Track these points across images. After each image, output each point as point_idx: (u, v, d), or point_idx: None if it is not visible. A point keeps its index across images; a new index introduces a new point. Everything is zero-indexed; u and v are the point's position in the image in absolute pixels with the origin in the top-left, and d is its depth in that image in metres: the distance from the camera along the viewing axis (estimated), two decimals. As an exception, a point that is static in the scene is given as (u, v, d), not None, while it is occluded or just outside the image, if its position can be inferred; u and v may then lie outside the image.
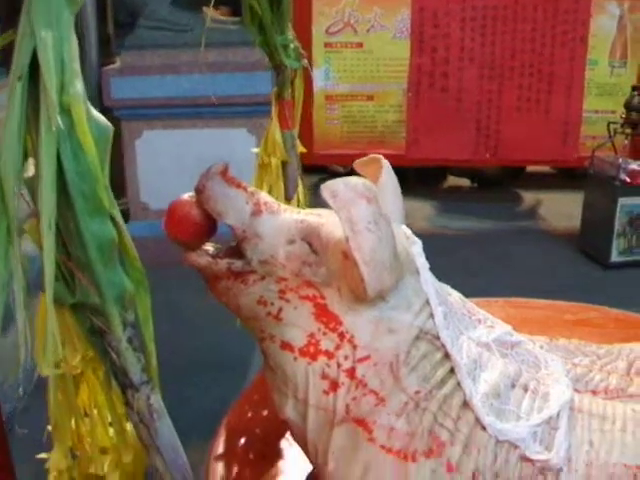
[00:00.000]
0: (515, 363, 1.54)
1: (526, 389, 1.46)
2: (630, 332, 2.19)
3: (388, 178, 1.56)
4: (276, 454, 1.80)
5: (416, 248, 1.47)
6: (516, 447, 1.36)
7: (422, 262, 1.46)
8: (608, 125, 5.87)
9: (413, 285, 1.41)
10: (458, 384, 1.37)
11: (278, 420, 1.52)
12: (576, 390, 1.60)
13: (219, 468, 1.75)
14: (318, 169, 6.78)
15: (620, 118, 5.88)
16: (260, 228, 1.39)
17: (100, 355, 1.17)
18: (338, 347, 1.35)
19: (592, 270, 5.59)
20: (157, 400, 1.16)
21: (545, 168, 8.14)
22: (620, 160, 5.61)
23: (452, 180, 7.90)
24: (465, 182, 7.85)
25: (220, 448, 1.82)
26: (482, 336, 1.56)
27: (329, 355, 1.35)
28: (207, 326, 4.05)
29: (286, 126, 2.50)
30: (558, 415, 1.43)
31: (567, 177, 7.66)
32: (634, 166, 5.67)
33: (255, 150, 2.61)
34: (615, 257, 5.67)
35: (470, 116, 6.62)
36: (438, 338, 1.39)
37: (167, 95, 5.36)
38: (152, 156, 5.47)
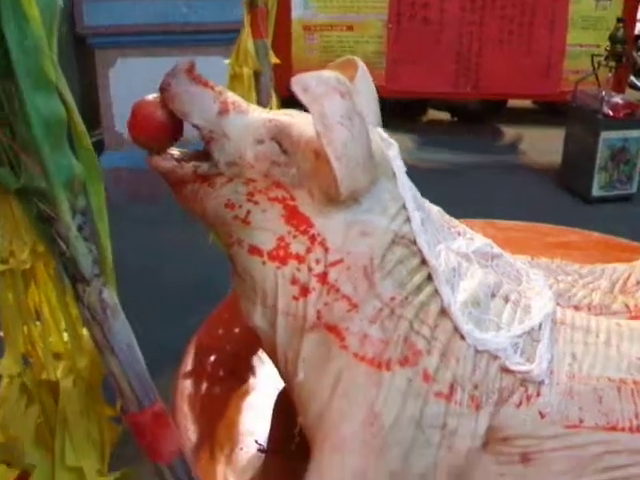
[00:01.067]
0: (496, 274, 1.47)
1: (507, 300, 1.40)
2: (612, 254, 2.15)
3: (363, 80, 1.49)
4: (247, 371, 1.75)
5: (393, 151, 1.41)
6: (496, 358, 1.31)
7: (399, 165, 1.39)
8: (592, 58, 5.78)
9: (389, 188, 1.35)
10: (435, 291, 1.31)
11: (250, 337, 1.48)
12: (558, 305, 1.55)
13: (187, 385, 1.70)
14: (297, 101, 6.65)
15: (605, 51, 5.79)
16: (227, 128, 1.32)
17: (49, 246, 1.09)
18: (309, 250, 1.29)
19: (573, 204, 5.54)
20: (111, 296, 1.08)
21: (527, 103, 8.07)
22: (603, 93, 5.53)
23: (432, 114, 7.82)
24: (446, 116, 7.78)
25: (189, 366, 1.76)
26: (461, 247, 1.50)
27: (299, 259, 1.29)
28: (190, 261, 3.98)
29: (259, 35, 2.40)
30: (540, 327, 1.38)
31: (549, 112, 7.58)
32: (617, 99, 5.61)
33: (227, 61, 2.52)
34: (596, 191, 5.61)
35: (451, 48, 6.51)
36: (415, 243, 1.33)
37: (141, 22, 5.22)
38: (126, 85, 5.32)
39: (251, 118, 1.34)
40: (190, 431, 1.55)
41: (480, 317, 1.34)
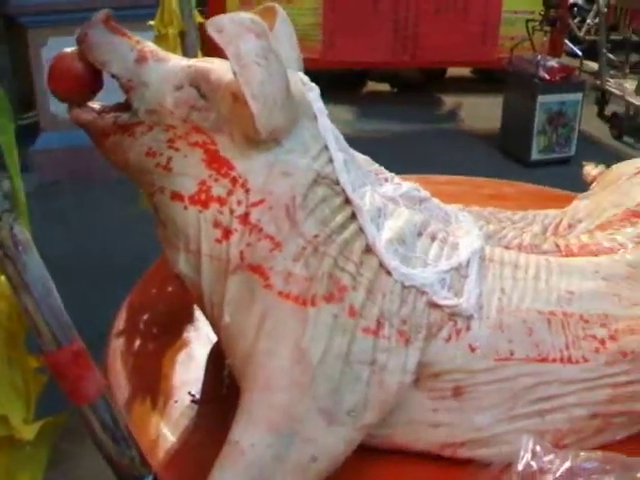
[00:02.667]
0: (424, 215, 1.48)
1: (434, 238, 1.41)
2: (545, 204, 2.14)
3: (283, 26, 1.49)
4: (181, 326, 1.74)
5: (313, 94, 1.41)
6: (423, 293, 1.31)
7: (319, 107, 1.40)
8: (526, 23, 5.81)
9: (310, 130, 1.35)
10: (360, 229, 1.31)
11: (184, 294, 1.47)
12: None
13: (119, 344, 1.68)
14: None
15: (539, 16, 5.82)
16: (146, 75, 1.31)
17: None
18: (230, 192, 1.28)
19: (513, 169, 5.57)
20: (22, 232, 1.05)
21: (466, 72, 8.10)
22: (539, 57, 5.57)
23: (372, 85, 7.81)
24: (385, 87, 7.77)
25: (121, 325, 1.74)
26: (388, 191, 1.52)
27: (221, 201, 1.28)
28: (130, 239, 3.94)
29: (182, -6, 2.39)
30: (468, 263, 1.38)
31: (488, 80, 7.60)
32: (553, 63, 5.65)
33: (151, 22, 2.50)
34: (535, 155, 5.66)
35: (388, 18, 6.48)
36: (338, 184, 1.33)
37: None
38: (60, 65, 5.27)
39: (170, 65, 1.34)
40: (123, 387, 1.54)
41: (406, 254, 1.34)
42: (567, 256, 1.57)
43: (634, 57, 7.79)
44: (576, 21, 8.92)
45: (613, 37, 7.58)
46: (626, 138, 6.45)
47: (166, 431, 1.43)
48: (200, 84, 1.31)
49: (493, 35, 6.65)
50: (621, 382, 1.36)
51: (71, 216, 4.43)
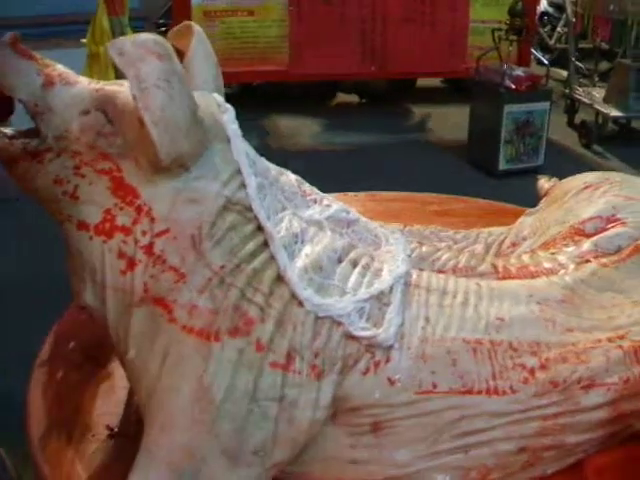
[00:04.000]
0: (348, 239, 1.42)
1: (356, 264, 1.36)
2: (493, 219, 2.10)
3: (199, 45, 1.44)
4: (107, 356, 1.67)
5: (228, 115, 1.36)
6: (339, 324, 1.26)
7: (234, 129, 1.35)
8: (493, 32, 5.79)
9: (222, 154, 1.30)
10: (271, 257, 1.27)
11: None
12: (420, 270, 1.49)
13: (42, 373, 1.62)
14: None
15: (505, 25, 5.79)
16: (53, 101, 1.28)
17: None
18: (135, 221, 1.23)
19: (481, 179, 5.55)
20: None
21: (435, 82, 8.08)
22: (505, 67, 5.55)
23: (341, 97, 7.76)
24: (354, 98, 7.72)
25: (46, 354, 1.69)
26: (315, 214, 1.45)
27: (125, 231, 1.24)
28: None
29: (114, 12, 2.34)
30: (391, 290, 1.33)
31: (457, 90, 7.59)
32: (519, 72, 5.64)
33: (83, 40, 2.45)
34: (503, 165, 5.65)
35: (355, 29, 6.43)
36: (250, 210, 1.28)
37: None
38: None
39: (77, 89, 1.30)
40: (41, 420, 1.49)
41: (323, 282, 1.29)
42: (504, 278, 1.53)
43: (604, 65, 7.79)
44: (546, 29, 8.93)
45: (583, 45, 7.59)
46: (595, 147, 6.43)
47: (80, 468, 1.38)
48: (107, 108, 1.27)
49: (461, 45, 6.62)
50: (551, 414, 1.31)
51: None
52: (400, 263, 1.39)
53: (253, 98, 6.58)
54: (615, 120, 6.71)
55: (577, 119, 6.85)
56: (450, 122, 6.79)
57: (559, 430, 1.31)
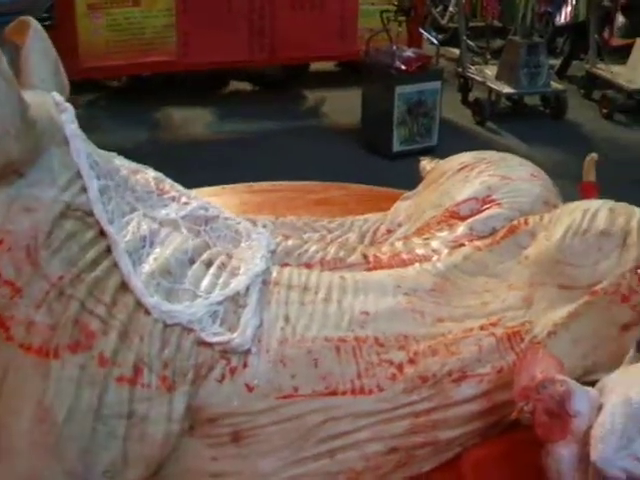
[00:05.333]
0: (203, 239, 1.34)
1: (210, 264, 1.29)
2: (372, 206, 2.04)
3: (37, 41, 1.36)
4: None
5: (66, 115, 1.28)
6: (190, 330, 1.20)
7: (72, 130, 1.26)
8: (381, 14, 5.75)
9: (60, 157, 1.22)
10: (115, 264, 1.19)
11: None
12: (286, 264, 1.43)
13: None
14: (90, 86, 6.36)
15: (393, 6, 5.77)
16: None
17: None
18: None
19: (375, 162, 5.51)
20: None
21: (329, 66, 8.02)
22: (395, 48, 5.52)
23: (234, 85, 7.65)
24: (247, 86, 7.63)
25: None
26: (170, 214, 1.38)
27: None
28: None
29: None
30: (247, 290, 1.26)
31: (350, 73, 7.53)
32: (409, 53, 5.60)
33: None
34: (397, 147, 5.61)
35: (243, 15, 6.31)
36: (92, 215, 1.20)
37: None
38: None
39: None
40: None
41: (172, 287, 1.22)
42: (375, 268, 1.47)
43: (498, 43, 7.82)
44: (438, 10, 8.94)
45: (477, 24, 7.62)
46: (489, 124, 6.45)
47: None
48: None
49: (352, 28, 6.57)
50: (422, 410, 1.26)
51: None
52: (259, 260, 1.32)
53: (143, 90, 6.46)
54: (508, 97, 6.75)
55: (471, 97, 6.86)
56: (345, 106, 6.73)
57: (432, 426, 1.26)
